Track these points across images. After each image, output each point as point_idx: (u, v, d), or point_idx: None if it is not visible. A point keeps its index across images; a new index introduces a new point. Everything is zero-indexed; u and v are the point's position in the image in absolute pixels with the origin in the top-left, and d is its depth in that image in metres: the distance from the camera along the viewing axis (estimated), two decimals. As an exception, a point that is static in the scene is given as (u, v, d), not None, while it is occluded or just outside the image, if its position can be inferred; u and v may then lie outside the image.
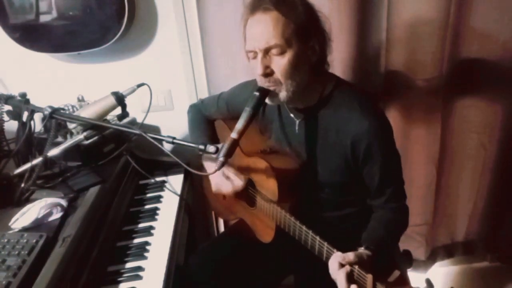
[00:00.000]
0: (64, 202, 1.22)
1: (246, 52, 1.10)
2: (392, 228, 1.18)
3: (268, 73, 1.07)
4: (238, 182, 1.28)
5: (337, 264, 0.97)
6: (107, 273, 1.18)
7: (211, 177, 1.36)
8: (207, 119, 1.52)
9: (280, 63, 1.06)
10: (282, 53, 1.05)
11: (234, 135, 1.07)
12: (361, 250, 1.03)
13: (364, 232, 1.14)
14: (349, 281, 0.95)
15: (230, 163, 1.39)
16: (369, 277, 0.91)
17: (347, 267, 0.96)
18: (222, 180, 1.30)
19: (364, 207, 1.27)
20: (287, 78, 1.07)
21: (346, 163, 1.16)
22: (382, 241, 1.11)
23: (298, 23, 1.05)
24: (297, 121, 1.23)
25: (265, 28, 1.03)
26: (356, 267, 0.95)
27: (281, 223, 1.21)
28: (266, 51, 1.05)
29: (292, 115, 1.23)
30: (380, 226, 1.16)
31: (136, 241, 1.30)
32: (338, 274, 0.96)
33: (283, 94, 1.10)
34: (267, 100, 1.14)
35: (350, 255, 0.97)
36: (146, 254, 1.23)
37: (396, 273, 0.88)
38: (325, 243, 1.05)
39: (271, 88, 1.10)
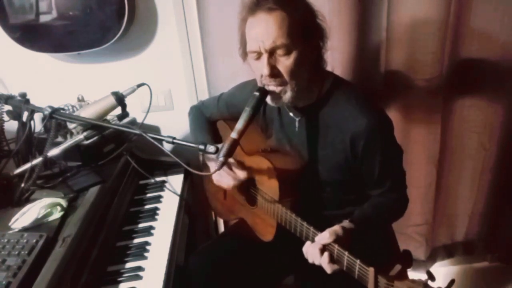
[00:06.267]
0: (64, 202, 1.22)
1: (249, 52, 1.10)
2: (382, 210, 1.21)
3: (275, 73, 1.07)
4: (241, 173, 1.25)
5: (318, 250, 1.02)
6: (107, 273, 1.18)
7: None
8: (208, 120, 1.52)
9: (286, 63, 1.06)
10: (287, 53, 1.05)
11: (234, 135, 1.08)
12: (345, 223, 1.08)
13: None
14: (332, 262, 1.01)
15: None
16: (370, 270, 0.91)
17: (326, 253, 1.01)
18: (224, 172, 1.27)
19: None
20: (292, 78, 1.07)
21: (346, 160, 1.16)
22: (367, 217, 1.15)
23: (302, 22, 1.05)
24: (297, 120, 1.23)
25: (271, 28, 1.03)
26: (336, 245, 0.99)
27: (282, 220, 1.21)
28: (272, 52, 1.05)
29: (291, 114, 1.23)
30: (369, 205, 1.20)
31: (136, 241, 1.30)
32: (321, 260, 1.02)
33: (288, 95, 1.10)
34: (270, 102, 1.14)
35: (325, 235, 1.02)
36: (146, 254, 1.23)
37: (398, 267, 0.89)
38: None
39: (277, 90, 1.10)
